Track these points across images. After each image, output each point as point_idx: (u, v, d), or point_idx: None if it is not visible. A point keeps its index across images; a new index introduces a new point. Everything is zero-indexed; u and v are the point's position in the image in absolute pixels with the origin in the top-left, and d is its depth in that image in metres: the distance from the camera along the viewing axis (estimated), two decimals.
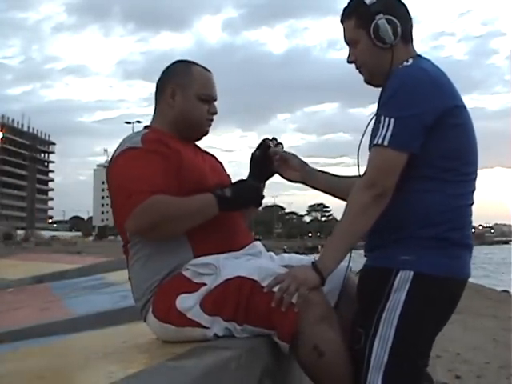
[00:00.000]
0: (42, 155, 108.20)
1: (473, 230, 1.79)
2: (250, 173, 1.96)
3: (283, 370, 1.74)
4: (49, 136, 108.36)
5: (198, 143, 1.99)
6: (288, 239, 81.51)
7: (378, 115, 1.64)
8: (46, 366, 1.79)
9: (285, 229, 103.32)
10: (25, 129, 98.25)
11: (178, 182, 1.73)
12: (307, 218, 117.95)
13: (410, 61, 1.67)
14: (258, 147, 1.96)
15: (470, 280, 1.74)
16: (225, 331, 1.62)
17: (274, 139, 1.96)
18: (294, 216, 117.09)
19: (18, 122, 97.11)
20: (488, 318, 6.74)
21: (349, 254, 1.67)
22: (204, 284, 1.66)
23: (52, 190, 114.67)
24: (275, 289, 1.56)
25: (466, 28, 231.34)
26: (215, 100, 1.92)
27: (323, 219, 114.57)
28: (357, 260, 1.78)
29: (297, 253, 1.99)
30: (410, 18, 1.74)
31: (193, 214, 1.72)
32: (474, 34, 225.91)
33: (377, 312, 1.58)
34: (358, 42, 1.72)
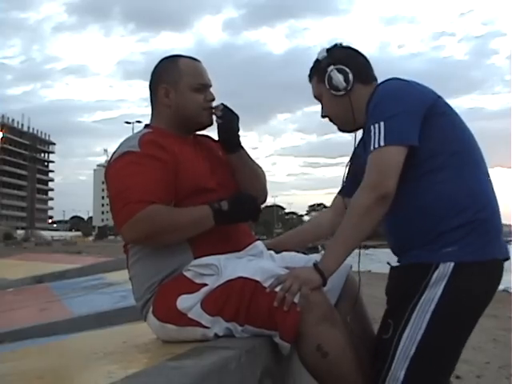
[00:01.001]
0: (42, 155, 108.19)
1: None
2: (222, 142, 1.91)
3: (283, 370, 1.74)
4: (49, 136, 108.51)
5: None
6: None
7: (367, 128, 1.68)
8: (45, 366, 1.79)
9: (285, 229, 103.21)
10: (25, 129, 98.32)
11: (175, 186, 1.72)
12: (307, 218, 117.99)
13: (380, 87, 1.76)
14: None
15: None
16: (225, 331, 1.62)
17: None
18: (294, 216, 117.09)
19: (18, 122, 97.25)
20: (488, 317, 6.71)
21: (358, 253, 1.71)
22: (205, 284, 1.66)
23: (52, 189, 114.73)
24: (277, 289, 1.56)
25: (466, 28, 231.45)
26: (210, 86, 1.90)
27: None
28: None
29: (297, 252, 2.00)
30: (366, 61, 1.85)
31: (188, 227, 1.70)
32: (475, 34, 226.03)
33: (410, 305, 1.59)
34: (321, 96, 1.86)
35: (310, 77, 1.89)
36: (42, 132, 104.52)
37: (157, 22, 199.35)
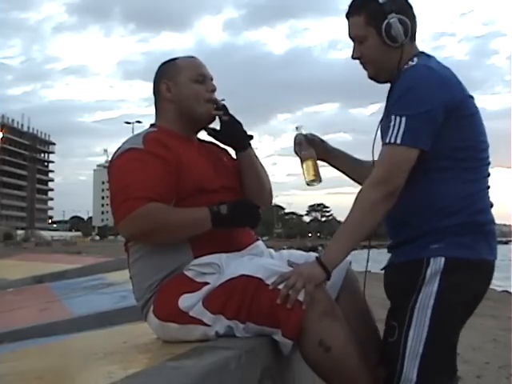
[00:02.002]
0: (42, 155, 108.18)
1: None
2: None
3: (283, 370, 1.74)
4: (49, 136, 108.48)
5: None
6: (288, 239, 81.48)
7: (387, 115, 1.66)
8: (45, 367, 1.79)
9: (285, 229, 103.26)
10: (25, 129, 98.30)
11: (177, 185, 1.72)
12: (307, 218, 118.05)
13: (415, 60, 1.70)
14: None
15: None
16: (226, 329, 1.62)
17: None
18: (294, 216, 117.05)
19: (17, 122, 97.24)
20: (488, 317, 6.73)
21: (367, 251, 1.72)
22: (207, 283, 1.66)
23: (52, 190, 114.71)
24: (281, 286, 1.56)
25: (466, 28, 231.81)
26: (210, 77, 1.91)
27: (323, 219, 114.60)
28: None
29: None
30: (415, 17, 1.76)
31: (185, 227, 1.71)
32: (475, 35, 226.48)
33: (410, 304, 1.60)
34: (365, 38, 1.72)
35: (355, 13, 1.73)
36: (41, 132, 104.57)
37: (157, 22, 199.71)
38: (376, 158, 1.68)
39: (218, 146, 1.99)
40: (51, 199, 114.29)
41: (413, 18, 1.73)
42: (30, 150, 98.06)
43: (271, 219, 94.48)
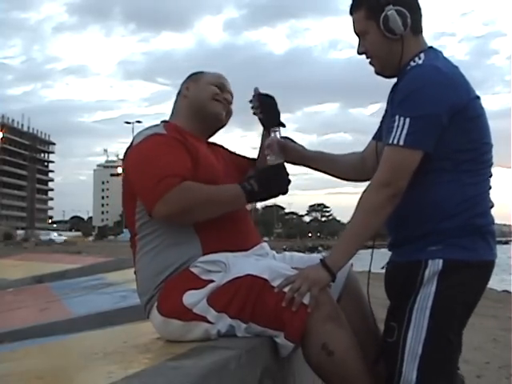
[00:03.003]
0: (42, 155, 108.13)
1: None
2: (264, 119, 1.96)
3: (283, 370, 1.74)
4: (49, 136, 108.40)
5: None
6: (288, 239, 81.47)
7: (392, 115, 1.65)
8: (45, 366, 1.79)
9: (285, 229, 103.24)
10: (25, 129, 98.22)
11: (193, 176, 1.73)
12: (307, 218, 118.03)
13: (422, 56, 1.68)
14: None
15: None
16: (228, 328, 1.62)
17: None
18: (294, 216, 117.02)
19: (17, 122, 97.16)
20: (488, 317, 6.73)
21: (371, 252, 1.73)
22: (212, 281, 1.66)
23: (52, 189, 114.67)
24: (286, 289, 1.57)
25: (467, 28, 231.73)
26: (230, 93, 1.97)
27: (323, 219, 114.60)
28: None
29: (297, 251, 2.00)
30: (420, 9, 1.74)
31: (223, 203, 1.73)
32: (475, 35, 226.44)
33: (408, 305, 1.60)
34: (367, 33, 1.73)
35: (356, 8, 1.74)
36: (41, 132, 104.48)
37: (157, 22, 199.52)
38: (380, 159, 1.67)
39: (224, 148, 2.04)
40: (51, 199, 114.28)
41: (414, 8, 1.71)
42: (30, 150, 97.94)
43: (271, 219, 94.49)
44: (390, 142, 1.59)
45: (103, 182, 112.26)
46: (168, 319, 1.69)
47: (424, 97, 1.59)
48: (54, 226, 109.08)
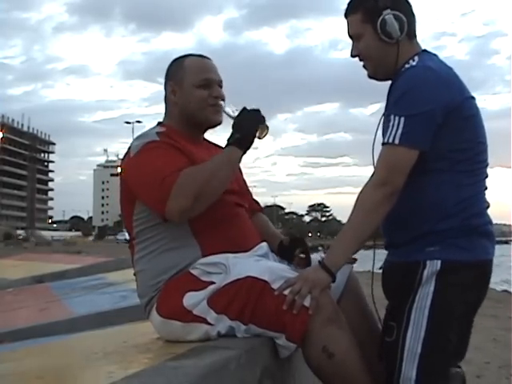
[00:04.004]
0: (42, 155, 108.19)
1: None
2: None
3: (283, 370, 1.74)
4: (49, 136, 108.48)
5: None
6: None
7: (387, 115, 1.66)
8: (45, 366, 1.79)
9: (285, 229, 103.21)
10: (25, 129, 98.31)
11: None
12: (307, 218, 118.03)
13: (416, 59, 1.69)
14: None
15: None
16: (228, 329, 1.62)
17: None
18: (294, 216, 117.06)
19: (18, 122, 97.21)
20: (488, 317, 6.72)
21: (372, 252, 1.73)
22: (212, 282, 1.66)
23: (52, 189, 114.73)
24: (286, 291, 1.56)
25: (467, 28, 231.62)
26: (217, 83, 1.90)
27: (323, 219, 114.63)
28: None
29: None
30: (414, 15, 1.75)
31: (224, 169, 1.72)
32: (476, 35, 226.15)
33: (407, 305, 1.61)
34: (362, 36, 1.73)
35: (352, 11, 1.75)
36: (42, 132, 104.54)
37: (158, 22, 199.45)
38: (376, 159, 1.68)
39: (221, 147, 2.00)
40: (51, 199, 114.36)
41: (410, 14, 1.73)
42: (30, 150, 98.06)
43: (271, 219, 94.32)
44: (386, 140, 1.61)
45: (103, 182, 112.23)
46: (168, 320, 1.69)
47: (418, 96, 1.60)
48: (54, 225, 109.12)
